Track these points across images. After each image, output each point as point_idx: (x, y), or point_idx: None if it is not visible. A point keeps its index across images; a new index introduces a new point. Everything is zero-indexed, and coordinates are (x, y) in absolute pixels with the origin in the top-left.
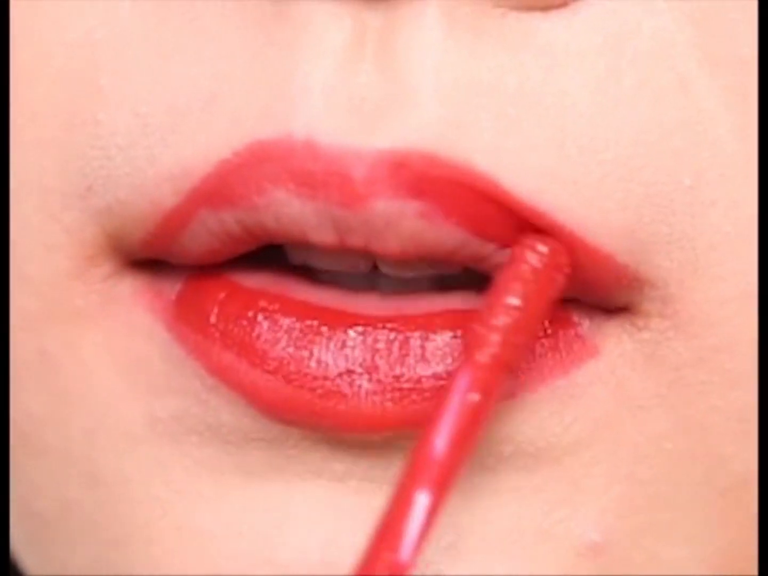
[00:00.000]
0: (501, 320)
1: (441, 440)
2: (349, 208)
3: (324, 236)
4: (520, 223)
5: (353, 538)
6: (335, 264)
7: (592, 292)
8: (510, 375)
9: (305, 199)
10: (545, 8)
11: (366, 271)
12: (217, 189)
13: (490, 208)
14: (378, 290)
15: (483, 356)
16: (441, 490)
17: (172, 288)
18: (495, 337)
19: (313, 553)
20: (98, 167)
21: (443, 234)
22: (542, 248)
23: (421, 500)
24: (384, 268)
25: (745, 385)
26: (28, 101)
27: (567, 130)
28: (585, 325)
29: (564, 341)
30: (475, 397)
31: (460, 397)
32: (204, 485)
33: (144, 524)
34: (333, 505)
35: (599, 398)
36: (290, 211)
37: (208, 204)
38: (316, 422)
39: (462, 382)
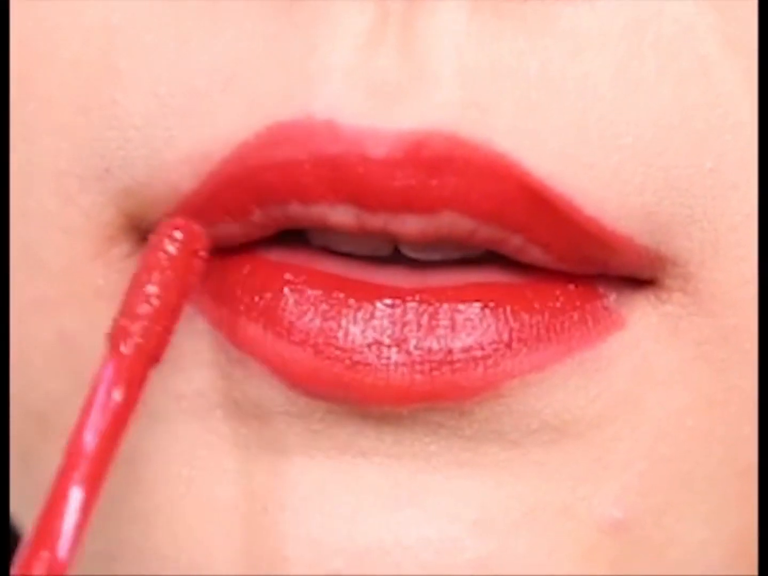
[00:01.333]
0: (141, 309)
1: (90, 435)
2: (369, 188)
3: (344, 218)
4: (539, 205)
5: (377, 513)
6: (356, 247)
7: (615, 269)
8: (155, 363)
9: (325, 180)
10: None
11: (387, 253)
12: (237, 171)
13: (509, 189)
14: (404, 263)
15: (126, 347)
16: (93, 485)
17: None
18: (136, 327)
19: (336, 530)
20: (116, 148)
21: (463, 214)
22: (178, 234)
23: (75, 496)
24: (405, 250)
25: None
26: (43, 86)
27: (588, 113)
28: (611, 297)
29: (591, 313)
30: (118, 392)
31: (106, 391)
32: (228, 461)
33: (166, 502)
34: (357, 481)
35: (624, 371)
36: (311, 192)
37: (227, 187)
38: (344, 394)
39: (106, 375)
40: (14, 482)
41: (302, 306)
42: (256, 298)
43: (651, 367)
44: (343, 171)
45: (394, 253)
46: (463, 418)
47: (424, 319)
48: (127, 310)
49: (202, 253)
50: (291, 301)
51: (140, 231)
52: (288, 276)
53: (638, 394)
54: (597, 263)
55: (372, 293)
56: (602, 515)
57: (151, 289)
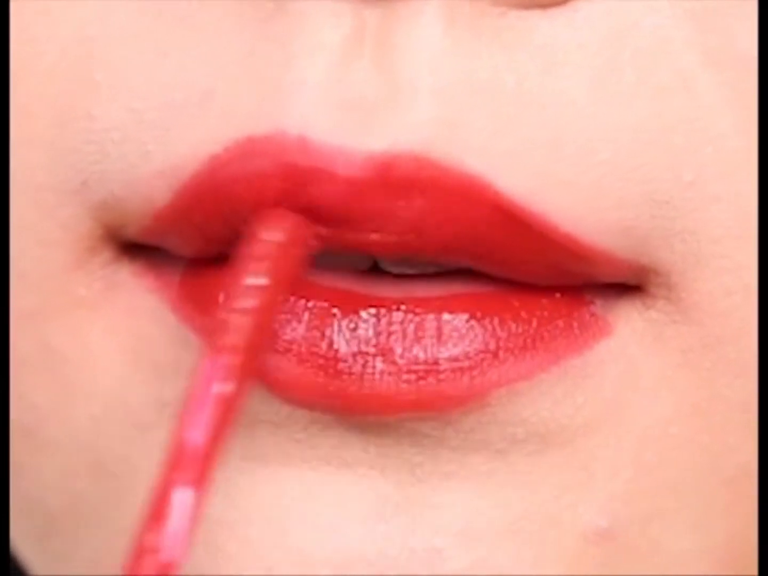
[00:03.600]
0: (244, 303)
1: (197, 433)
2: (337, 207)
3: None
4: (512, 225)
5: (362, 524)
6: (333, 260)
7: (598, 279)
8: (258, 358)
9: (293, 196)
10: (544, 6)
11: (367, 267)
12: (206, 185)
13: (481, 210)
14: (390, 274)
15: (230, 340)
16: (202, 485)
17: (175, 267)
18: (239, 321)
19: (321, 541)
20: (93, 162)
21: (432, 235)
22: (281, 226)
23: (183, 496)
24: (384, 265)
25: (750, 376)
26: (20, 97)
27: (564, 129)
28: (598, 303)
29: (578, 320)
30: (227, 386)
31: (212, 386)
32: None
33: None
34: (341, 492)
35: (610, 378)
36: (279, 207)
37: (197, 200)
38: (328, 403)
39: (211, 370)
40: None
41: (287, 315)
42: None
43: (637, 374)
44: (311, 189)
45: (376, 267)
46: (448, 427)
47: (410, 329)
48: (227, 303)
49: (310, 242)
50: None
51: (121, 241)
52: None
53: (624, 402)
54: (578, 276)
55: (357, 303)
56: (588, 524)
57: (254, 281)
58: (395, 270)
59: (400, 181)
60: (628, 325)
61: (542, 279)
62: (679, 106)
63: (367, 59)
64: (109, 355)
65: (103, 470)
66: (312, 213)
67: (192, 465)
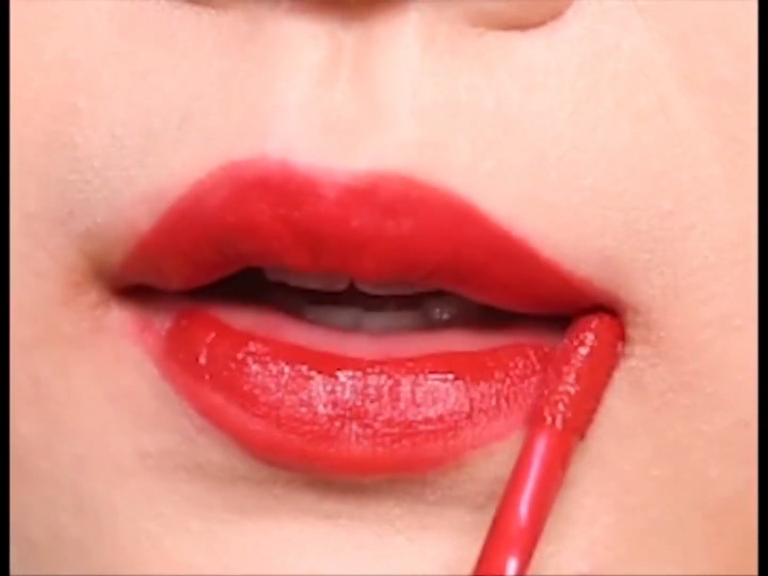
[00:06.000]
0: (567, 388)
1: (525, 507)
2: (323, 229)
3: (298, 258)
4: (495, 248)
5: (341, 573)
6: (312, 282)
7: (577, 307)
8: (581, 441)
9: (279, 220)
10: (523, 27)
11: (343, 288)
12: (191, 210)
13: (465, 232)
14: (367, 329)
15: (558, 423)
16: (527, 558)
17: (161, 322)
18: (567, 404)
19: None
20: (77, 191)
21: (418, 257)
22: (597, 330)
23: (511, 566)
24: (360, 286)
25: (727, 408)
26: (13, 123)
27: (546, 152)
28: None
29: None
30: (554, 467)
31: (540, 463)
32: (192, 521)
33: (132, 556)
34: (322, 542)
35: (588, 429)
36: (263, 232)
37: (182, 225)
38: (307, 466)
39: (541, 448)
40: None
41: (265, 378)
42: (220, 368)
43: (614, 422)
44: (296, 211)
45: (356, 322)
46: (426, 486)
47: (385, 391)
48: (553, 387)
49: (619, 352)
50: (254, 372)
51: (106, 279)
52: (252, 346)
53: (603, 450)
54: (556, 304)
55: (334, 364)
56: (570, 571)
57: (572, 377)
58: (371, 291)
59: (388, 201)
60: None
61: (522, 305)
62: (657, 131)
63: (345, 80)
64: (93, 398)
65: (84, 508)
66: (302, 235)
67: (520, 538)
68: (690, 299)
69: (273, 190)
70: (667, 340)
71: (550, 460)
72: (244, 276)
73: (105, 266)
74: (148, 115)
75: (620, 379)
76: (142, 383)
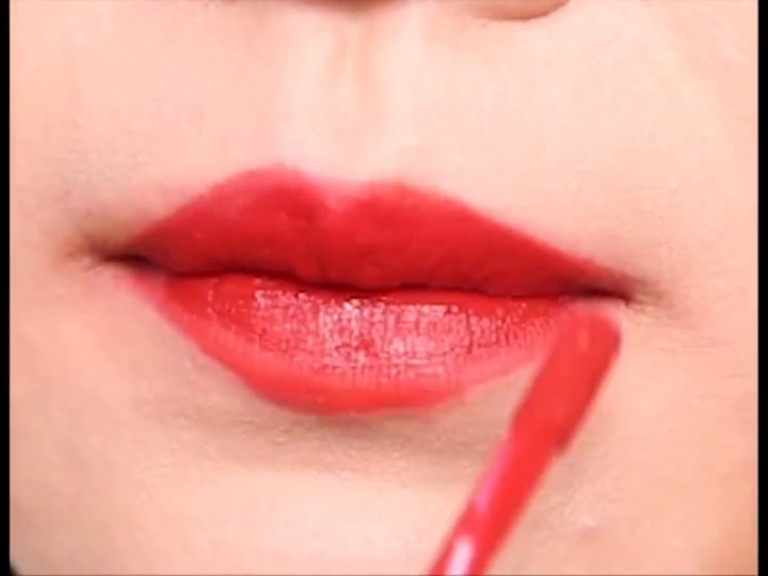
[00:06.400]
0: (552, 395)
1: (483, 498)
2: (330, 245)
3: (309, 269)
4: (492, 241)
5: (341, 529)
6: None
7: (581, 285)
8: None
9: (297, 231)
10: (525, 17)
11: None
12: (212, 211)
13: (460, 232)
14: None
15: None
16: (488, 544)
17: (158, 277)
18: (549, 409)
19: (301, 543)
20: (77, 171)
21: (417, 261)
22: (591, 327)
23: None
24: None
25: (743, 377)
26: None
27: (545, 142)
28: (579, 305)
29: (556, 318)
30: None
31: (511, 461)
32: (190, 470)
33: (127, 509)
34: (323, 495)
35: None
36: (283, 242)
37: (199, 222)
38: (311, 399)
39: (514, 446)
40: None
41: (274, 310)
42: (228, 305)
43: (622, 371)
44: (310, 224)
45: None
46: (429, 428)
47: (391, 320)
48: (537, 394)
49: (617, 351)
50: (263, 306)
51: (101, 251)
52: (259, 282)
53: (610, 399)
54: (561, 284)
55: (342, 294)
56: (575, 524)
57: (562, 380)
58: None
59: (385, 211)
60: None
61: (525, 290)
62: (661, 114)
63: (349, 76)
64: (86, 352)
65: (77, 463)
66: (312, 247)
67: (478, 527)
68: (704, 273)
69: (289, 201)
70: (679, 308)
71: (523, 459)
72: None
73: (105, 243)
74: (156, 103)
75: (630, 330)
76: (141, 329)
